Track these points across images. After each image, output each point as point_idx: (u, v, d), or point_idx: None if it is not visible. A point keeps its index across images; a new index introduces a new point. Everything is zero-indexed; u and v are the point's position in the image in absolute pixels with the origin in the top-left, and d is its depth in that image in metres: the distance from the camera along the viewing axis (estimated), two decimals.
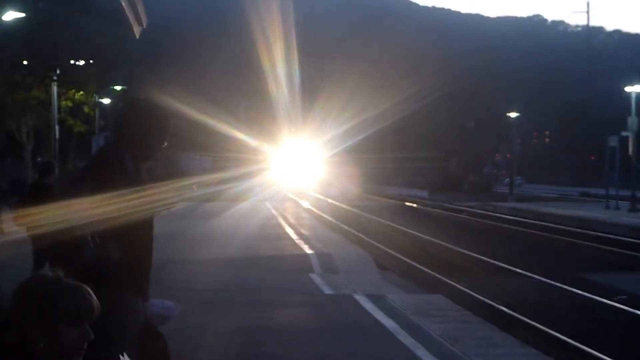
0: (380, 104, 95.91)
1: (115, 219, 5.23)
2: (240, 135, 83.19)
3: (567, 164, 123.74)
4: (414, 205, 60.97)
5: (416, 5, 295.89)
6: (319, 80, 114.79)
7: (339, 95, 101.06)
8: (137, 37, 20.28)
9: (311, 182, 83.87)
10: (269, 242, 27.18)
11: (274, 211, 44.67)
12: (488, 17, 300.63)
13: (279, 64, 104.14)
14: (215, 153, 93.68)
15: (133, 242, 5.48)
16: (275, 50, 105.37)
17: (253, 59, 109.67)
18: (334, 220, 41.27)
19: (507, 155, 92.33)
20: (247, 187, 65.61)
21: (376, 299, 15.49)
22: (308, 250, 24.64)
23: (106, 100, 52.93)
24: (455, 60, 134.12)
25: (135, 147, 5.71)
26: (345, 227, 37.94)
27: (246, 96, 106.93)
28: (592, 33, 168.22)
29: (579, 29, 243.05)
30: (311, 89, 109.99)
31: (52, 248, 5.44)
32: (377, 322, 13.20)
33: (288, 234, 30.70)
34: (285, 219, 39.01)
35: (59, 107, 40.98)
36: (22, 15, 29.81)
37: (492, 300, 18.89)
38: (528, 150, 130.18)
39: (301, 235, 30.01)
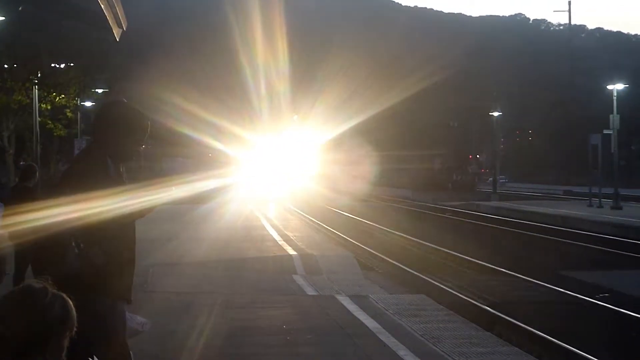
0: (362, 104, 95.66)
1: (99, 221, 5.23)
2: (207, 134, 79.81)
3: (550, 162, 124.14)
4: (398, 205, 60.97)
5: (398, 5, 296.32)
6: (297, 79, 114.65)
7: (315, 97, 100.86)
8: (117, 39, 20.21)
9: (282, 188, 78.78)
10: (253, 244, 27.15)
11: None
12: (470, 16, 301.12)
13: (258, 58, 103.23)
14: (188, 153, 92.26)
15: (116, 246, 5.48)
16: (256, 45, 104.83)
17: (239, 56, 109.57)
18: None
19: (491, 153, 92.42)
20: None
21: (359, 300, 15.50)
22: (291, 252, 24.62)
23: (88, 104, 52.82)
24: (438, 59, 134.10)
25: (114, 148, 5.73)
26: (328, 227, 37.99)
27: (231, 94, 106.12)
28: (574, 31, 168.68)
29: (561, 27, 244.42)
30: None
31: (36, 253, 5.43)
32: (360, 323, 13.20)
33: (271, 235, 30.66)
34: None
35: (40, 111, 40.85)
36: (2, 18, 29.72)
37: (474, 300, 18.94)
38: (511, 149, 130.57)
39: (284, 236, 29.97)
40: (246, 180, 76.78)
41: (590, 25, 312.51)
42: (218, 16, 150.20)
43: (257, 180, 78.67)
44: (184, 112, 72.50)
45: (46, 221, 5.17)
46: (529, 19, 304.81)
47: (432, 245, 30.19)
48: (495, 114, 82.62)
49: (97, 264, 5.34)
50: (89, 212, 5.22)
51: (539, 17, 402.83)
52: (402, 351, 11.11)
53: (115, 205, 5.42)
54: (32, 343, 3.13)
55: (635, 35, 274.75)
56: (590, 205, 49.34)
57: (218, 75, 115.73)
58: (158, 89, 68.17)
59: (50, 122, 46.62)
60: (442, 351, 11.22)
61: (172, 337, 11.76)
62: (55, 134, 49.36)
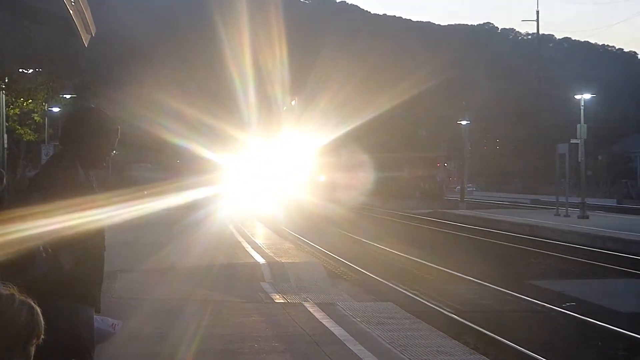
0: (333, 114, 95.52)
1: (69, 229, 5.20)
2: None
3: (517, 171, 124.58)
4: (366, 213, 60.95)
5: (367, 13, 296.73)
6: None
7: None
8: (86, 45, 20.15)
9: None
10: (221, 251, 27.00)
11: None
12: (439, 25, 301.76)
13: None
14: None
15: (85, 251, 5.45)
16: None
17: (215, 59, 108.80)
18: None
19: (459, 162, 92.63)
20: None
21: (326, 307, 15.49)
22: (259, 259, 24.54)
23: (56, 109, 52.44)
24: (407, 67, 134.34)
25: (84, 155, 5.70)
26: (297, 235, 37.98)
27: (215, 94, 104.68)
28: (542, 41, 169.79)
29: (529, 37, 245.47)
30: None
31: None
32: (327, 330, 13.19)
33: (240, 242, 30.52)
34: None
35: (7, 116, 40.52)
36: None
37: (441, 308, 19.00)
38: (479, 157, 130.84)
39: (252, 244, 29.86)
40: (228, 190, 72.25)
41: (558, 35, 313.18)
42: (202, 20, 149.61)
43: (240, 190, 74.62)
44: (163, 112, 71.15)
45: (17, 235, 5.11)
46: (497, 28, 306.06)
47: (400, 253, 30.24)
48: (464, 122, 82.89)
49: (65, 269, 5.31)
50: (60, 221, 5.19)
51: (507, 27, 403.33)
52: (369, 359, 11.12)
53: (88, 219, 5.39)
54: None
55: (603, 45, 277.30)
56: (558, 215, 49.56)
57: (203, 77, 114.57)
58: (135, 90, 67.68)
59: (19, 127, 46.25)
60: (409, 359, 11.23)
61: (136, 343, 11.69)
62: (24, 139, 48.96)
